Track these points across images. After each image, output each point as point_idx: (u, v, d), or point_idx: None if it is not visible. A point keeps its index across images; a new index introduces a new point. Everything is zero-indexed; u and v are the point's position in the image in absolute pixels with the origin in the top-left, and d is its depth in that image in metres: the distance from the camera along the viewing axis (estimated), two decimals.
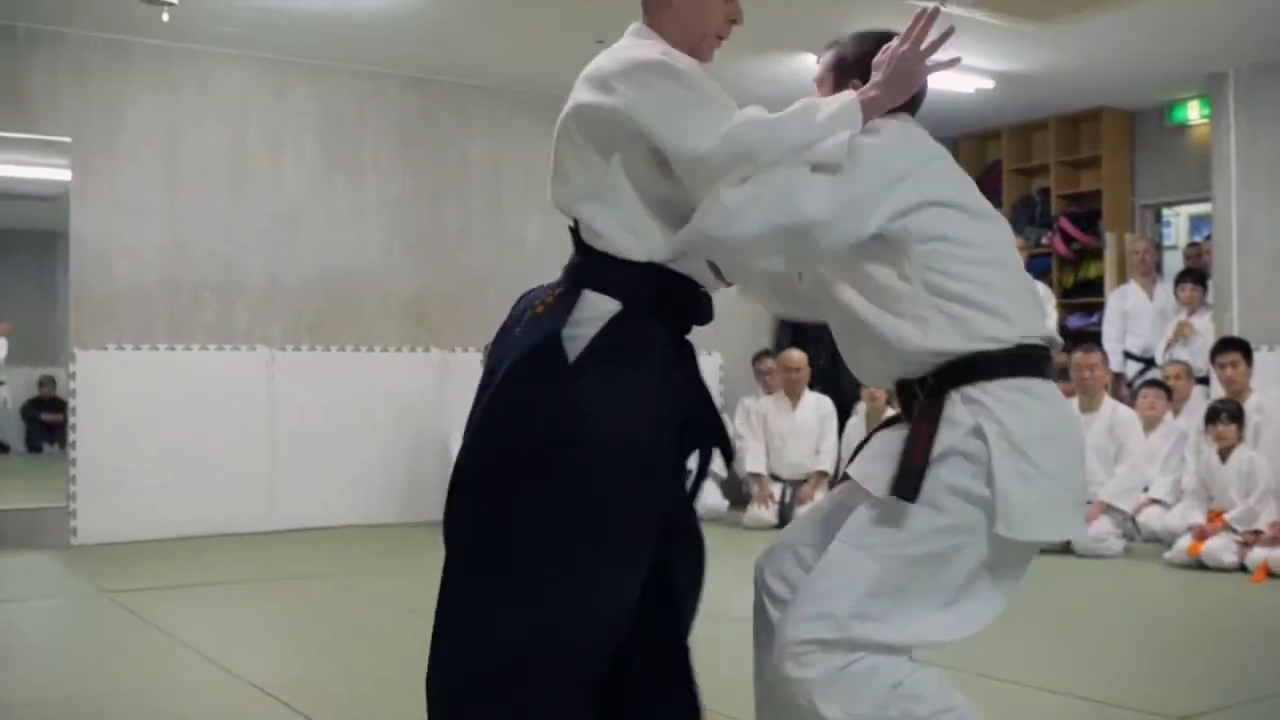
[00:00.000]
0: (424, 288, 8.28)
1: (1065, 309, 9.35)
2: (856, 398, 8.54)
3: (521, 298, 2.61)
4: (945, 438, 2.39)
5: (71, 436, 7.15)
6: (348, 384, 7.94)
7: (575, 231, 2.55)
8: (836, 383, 8.99)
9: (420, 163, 8.30)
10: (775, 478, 8.34)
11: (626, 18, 2.58)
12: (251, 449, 7.61)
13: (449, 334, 8.33)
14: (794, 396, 8.47)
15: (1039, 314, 2.55)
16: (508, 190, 8.50)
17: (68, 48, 7.14)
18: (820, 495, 8.19)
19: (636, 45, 2.49)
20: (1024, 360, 2.45)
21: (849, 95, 2.44)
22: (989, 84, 8.41)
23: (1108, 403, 7.22)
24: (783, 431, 8.41)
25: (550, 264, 2.65)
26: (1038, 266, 9.51)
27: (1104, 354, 7.58)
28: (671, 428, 2.45)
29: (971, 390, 2.41)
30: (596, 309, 2.42)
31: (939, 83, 7.76)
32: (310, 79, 7.87)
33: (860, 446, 2.65)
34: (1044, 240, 9.76)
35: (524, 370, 2.38)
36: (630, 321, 2.42)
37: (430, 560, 2.56)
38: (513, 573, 2.33)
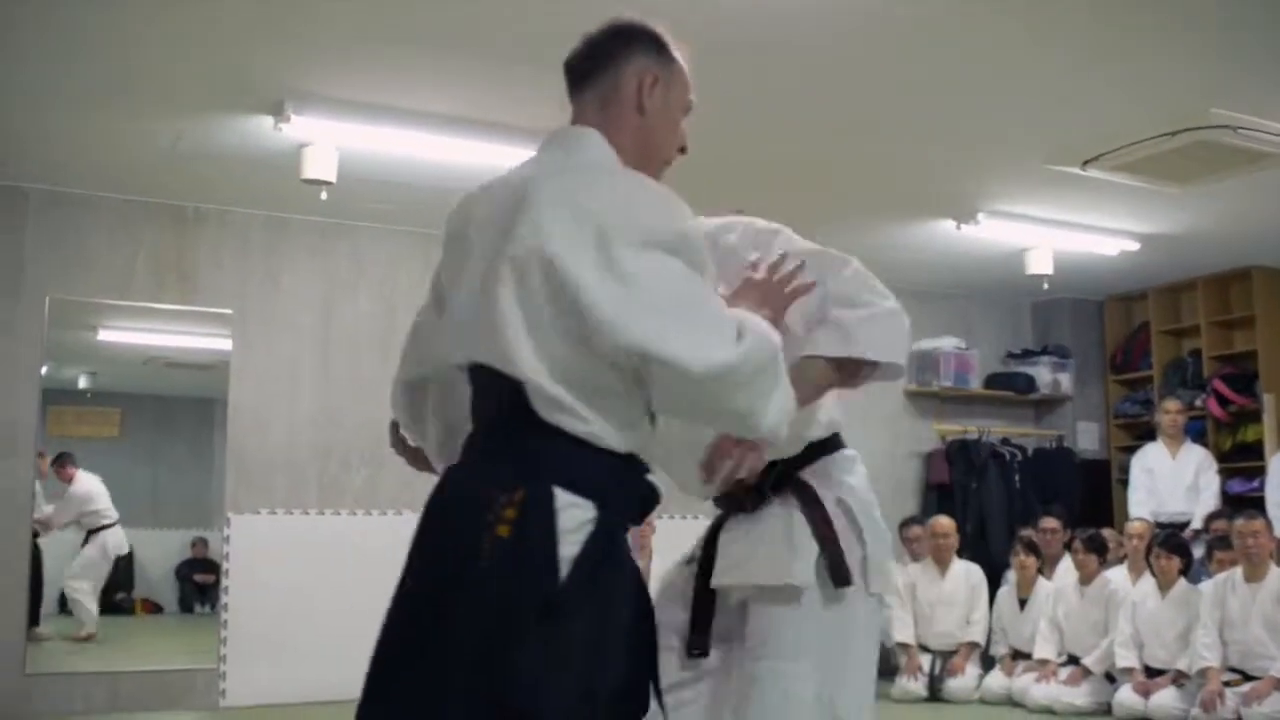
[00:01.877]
0: None
1: (1224, 474, 8.99)
2: (1006, 565, 8.31)
3: (449, 480, 2.11)
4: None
5: (223, 599, 7.29)
6: None
7: (497, 385, 1.98)
8: (985, 551, 8.77)
9: None
10: (924, 648, 8.06)
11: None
12: None
13: None
14: (942, 564, 8.24)
15: None
16: None
17: (231, 225, 7.50)
18: (971, 667, 7.92)
19: (640, 188, 2.01)
20: (839, 436, 2.68)
21: (765, 332, 2.04)
22: (1134, 245, 8.30)
23: (1274, 571, 6.89)
24: (931, 600, 8.16)
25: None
26: (1192, 430, 9.20)
27: (1268, 520, 7.26)
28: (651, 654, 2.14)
29: (818, 467, 2.59)
30: (571, 519, 1.92)
31: (1082, 245, 7.74)
32: None
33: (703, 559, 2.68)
34: (1198, 403, 9.45)
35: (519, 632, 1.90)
36: (608, 537, 1.96)
37: None
38: None
